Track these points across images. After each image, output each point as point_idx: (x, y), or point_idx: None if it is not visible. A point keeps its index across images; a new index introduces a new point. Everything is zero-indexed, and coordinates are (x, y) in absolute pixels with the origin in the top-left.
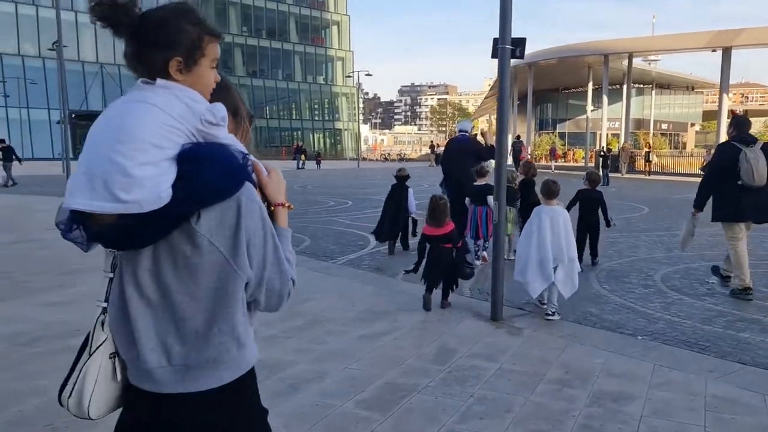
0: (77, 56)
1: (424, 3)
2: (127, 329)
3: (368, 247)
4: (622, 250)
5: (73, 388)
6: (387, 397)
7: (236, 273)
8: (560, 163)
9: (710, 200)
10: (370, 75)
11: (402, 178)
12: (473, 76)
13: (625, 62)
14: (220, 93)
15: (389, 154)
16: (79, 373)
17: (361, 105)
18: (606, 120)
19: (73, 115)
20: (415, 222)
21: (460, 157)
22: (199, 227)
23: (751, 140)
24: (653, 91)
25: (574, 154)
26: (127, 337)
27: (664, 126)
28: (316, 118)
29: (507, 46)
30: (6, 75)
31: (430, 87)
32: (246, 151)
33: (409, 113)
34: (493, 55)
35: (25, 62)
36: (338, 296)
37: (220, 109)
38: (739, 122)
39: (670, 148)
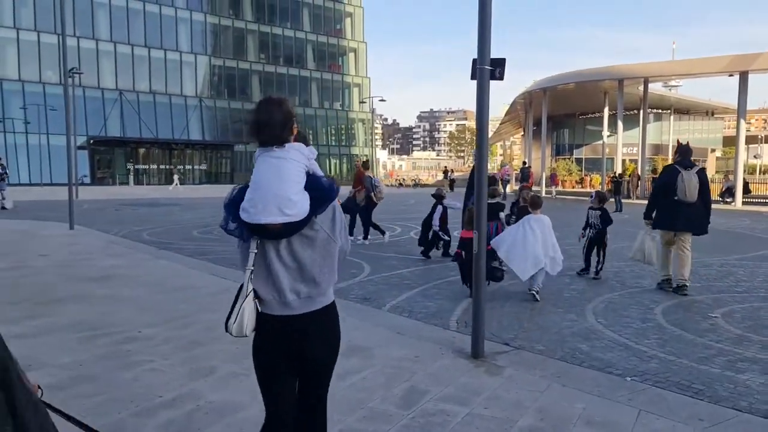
0: (97, 83)
1: (441, 28)
2: (271, 281)
3: (361, 275)
4: (625, 280)
5: (236, 319)
6: None
7: (335, 242)
8: (568, 189)
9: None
10: (384, 100)
11: (435, 197)
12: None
13: (641, 87)
14: (302, 138)
15: (404, 179)
16: (239, 309)
17: (378, 131)
18: (621, 145)
19: (92, 141)
20: (435, 234)
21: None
22: (317, 220)
23: (689, 165)
24: (671, 117)
25: (591, 180)
26: (273, 286)
27: None
28: (333, 143)
29: (486, 67)
30: (27, 102)
31: (448, 112)
32: (331, 178)
33: (427, 139)
34: (473, 77)
35: (46, 89)
36: None
37: (312, 150)
38: (683, 150)
39: None
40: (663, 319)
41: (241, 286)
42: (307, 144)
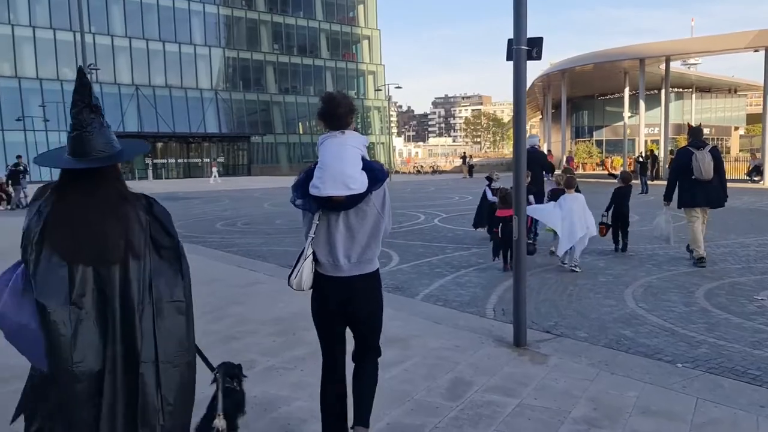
0: (113, 79)
1: (454, 14)
2: (329, 247)
3: (390, 264)
4: (661, 263)
5: (296, 276)
6: None
7: (383, 219)
8: (589, 171)
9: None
10: (400, 87)
11: (488, 179)
12: (508, 85)
13: (663, 66)
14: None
15: (422, 166)
16: (300, 268)
17: (394, 118)
18: (644, 126)
19: None
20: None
21: (532, 166)
22: (371, 197)
23: (702, 145)
24: (693, 95)
25: (612, 162)
26: (329, 251)
27: (707, 131)
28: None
29: (522, 47)
30: (46, 100)
31: (463, 98)
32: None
33: (443, 125)
34: (508, 57)
35: (63, 86)
36: None
37: (365, 139)
38: (694, 132)
39: None
40: (707, 303)
41: (302, 250)
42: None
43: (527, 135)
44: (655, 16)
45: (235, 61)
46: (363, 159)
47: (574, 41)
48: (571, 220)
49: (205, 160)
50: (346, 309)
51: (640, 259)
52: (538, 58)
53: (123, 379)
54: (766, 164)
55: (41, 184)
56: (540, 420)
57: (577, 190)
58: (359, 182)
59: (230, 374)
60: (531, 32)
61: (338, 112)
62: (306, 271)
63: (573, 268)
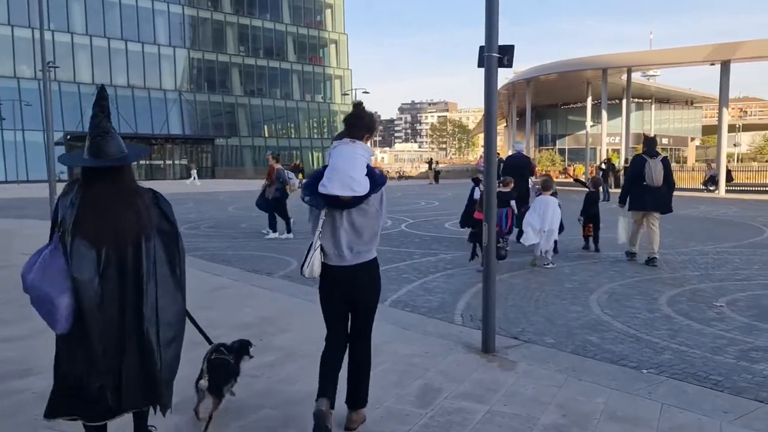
0: (73, 77)
1: (422, 21)
2: (335, 240)
3: None
4: (624, 270)
5: (309, 266)
6: None
7: (381, 216)
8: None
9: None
10: (367, 92)
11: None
12: (473, 92)
13: (624, 77)
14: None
15: (387, 171)
16: (311, 258)
17: None
18: (605, 135)
19: (69, 136)
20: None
21: (516, 170)
22: (371, 198)
23: (654, 154)
24: (653, 106)
25: (575, 170)
26: (335, 244)
27: (665, 140)
28: (315, 136)
29: (494, 54)
30: (2, 97)
31: (430, 104)
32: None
33: (409, 131)
34: (480, 64)
35: (20, 84)
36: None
37: (372, 151)
38: (648, 141)
39: (672, 163)
40: (669, 309)
41: (311, 243)
42: None
43: (513, 141)
44: (619, 29)
45: (200, 62)
46: (367, 166)
47: (537, 51)
48: (532, 217)
49: (168, 161)
50: (350, 294)
51: (604, 266)
52: (509, 65)
53: (134, 326)
54: (721, 175)
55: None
56: (510, 427)
57: (554, 195)
58: (363, 185)
59: (230, 349)
60: (505, 42)
61: (358, 124)
62: (316, 261)
63: (546, 265)
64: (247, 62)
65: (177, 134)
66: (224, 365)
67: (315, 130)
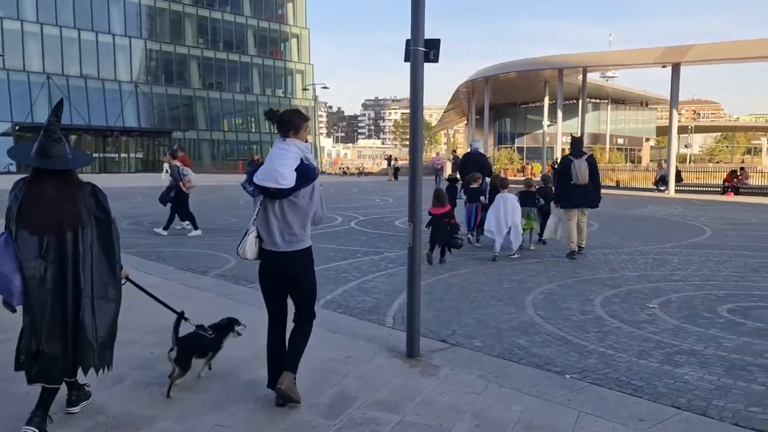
0: (22, 66)
1: (387, 17)
2: (268, 227)
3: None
4: (564, 270)
5: (242, 248)
6: None
7: (311, 208)
8: (511, 177)
9: None
10: (327, 88)
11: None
12: (437, 90)
13: (580, 77)
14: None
15: (348, 168)
16: (245, 241)
17: (324, 118)
18: (561, 134)
19: (18, 127)
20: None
21: (475, 166)
22: (300, 191)
23: (580, 154)
24: (609, 107)
25: (532, 168)
26: (268, 231)
27: (620, 141)
28: (275, 131)
29: (420, 48)
30: None
31: (393, 101)
32: (317, 166)
33: (372, 127)
34: (406, 59)
35: None
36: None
37: (308, 146)
38: (574, 142)
39: (626, 163)
40: (602, 311)
41: (248, 228)
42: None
43: (472, 139)
44: (580, 31)
45: (158, 54)
46: (303, 162)
47: (499, 51)
48: (498, 216)
49: (123, 155)
50: (283, 277)
51: (546, 265)
52: (435, 60)
53: (73, 299)
54: (671, 175)
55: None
56: None
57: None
58: (288, 179)
59: (214, 326)
60: (461, 40)
61: (279, 126)
62: (248, 244)
63: (513, 255)
64: (206, 55)
65: (132, 127)
66: (194, 339)
67: (275, 126)
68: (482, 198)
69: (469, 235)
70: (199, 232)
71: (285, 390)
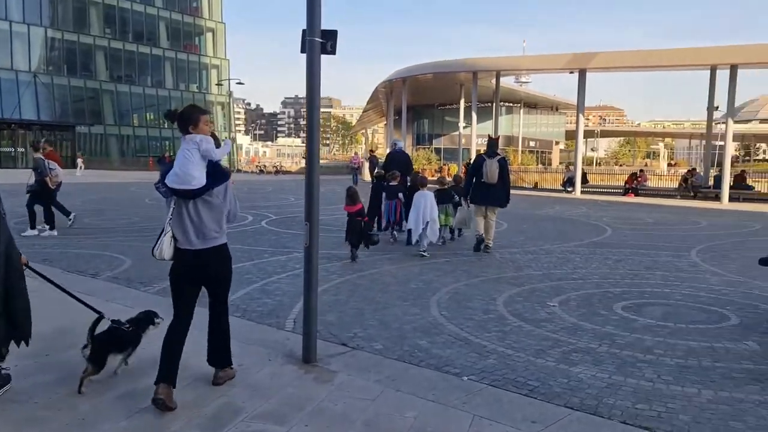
0: None
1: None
2: (183, 227)
3: None
4: (472, 269)
5: (158, 248)
6: None
7: (225, 206)
8: (428, 177)
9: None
10: (242, 83)
11: (378, 177)
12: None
13: (494, 80)
14: (215, 137)
15: (265, 166)
16: (161, 242)
17: (241, 115)
18: (476, 136)
19: None
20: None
21: (400, 164)
22: (214, 190)
23: (493, 154)
24: (521, 110)
25: (449, 169)
26: (183, 230)
27: (532, 143)
28: None
29: (316, 39)
30: None
31: None
32: (227, 165)
33: (292, 125)
34: (302, 50)
35: None
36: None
37: (210, 139)
38: (489, 143)
39: (537, 165)
40: (504, 310)
41: (163, 228)
42: (217, 142)
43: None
44: (495, 38)
45: (60, 43)
46: (213, 162)
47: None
48: (417, 212)
49: (20, 149)
50: (198, 274)
51: (455, 264)
52: (333, 52)
53: None
54: (578, 176)
55: None
56: None
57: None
58: (197, 181)
59: (132, 320)
60: (386, 43)
61: (179, 121)
62: (165, 245)
63: (422, 253)
64: (113, 45)
65: (31, 119)
66: (110, 335)
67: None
68: (400, 195)
69: (388, 231)
70: (54, 233)
71: (223, 379)
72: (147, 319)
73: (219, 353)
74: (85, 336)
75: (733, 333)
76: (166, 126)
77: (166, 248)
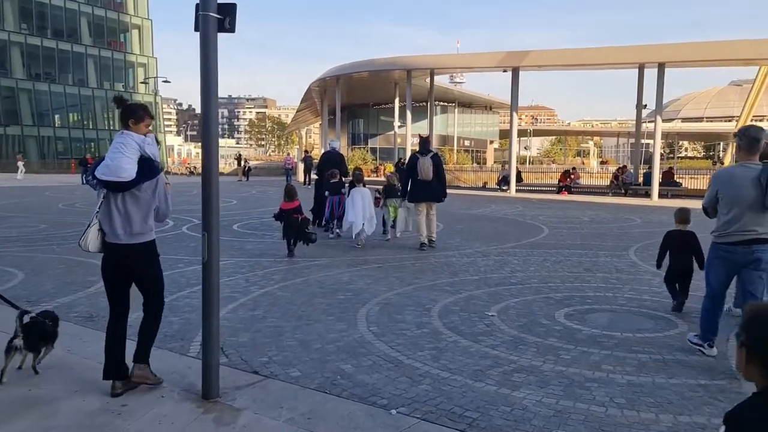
0: None
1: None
2: (110, 220)
3: (95, 286)
4: (405, 276)
5: (83, 239)
6: None
7: (154, 202)
8: (366, 177)
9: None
10: (168, 82)
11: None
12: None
13: (428, 79)
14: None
15: (195, 167)
16: (87, 233)
17: (173, 116)
18: (410, 135)
19: None
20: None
21: (333, 164)
22: (143, 185)
23: (426, 152)
24: (456, 110)
25: (385, 169)
26: (110, 224)
27: (467, 143)
28: (115, 128)
29: (212, 14)
30: None
31: (248, 100)
32: (159, 162)
33: (226, 126)
34: (196, 27)
35: None
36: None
37: (148, 138)
38: (422, 141)
39: (472, 164)
40: (440, 322)
41: (91, 219)
42: (157, 139)
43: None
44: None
45: None
46: (146, 158)
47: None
48: (356, 208)
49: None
50: (125, 270)
51: (387, 271)
52: (232, 29)
53: None
54: (512, 175)
55: None
56: None
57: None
58: (127, 174)
59: (47, 316)
60: (324, 43)
61: (124, 110)
62: (91, 236)
63: (356, 245)
64: (31, 42)
65: None
66: (39, 325)
67: (114, 121)
68: (343, 190)
69: (331, 226)
70: None
71: (137, 380)
72: (55, 318)
73: (138, 348)
74: (20, 324)
75: (683, 342)
76: (90, 127)
77: (91, 240)
